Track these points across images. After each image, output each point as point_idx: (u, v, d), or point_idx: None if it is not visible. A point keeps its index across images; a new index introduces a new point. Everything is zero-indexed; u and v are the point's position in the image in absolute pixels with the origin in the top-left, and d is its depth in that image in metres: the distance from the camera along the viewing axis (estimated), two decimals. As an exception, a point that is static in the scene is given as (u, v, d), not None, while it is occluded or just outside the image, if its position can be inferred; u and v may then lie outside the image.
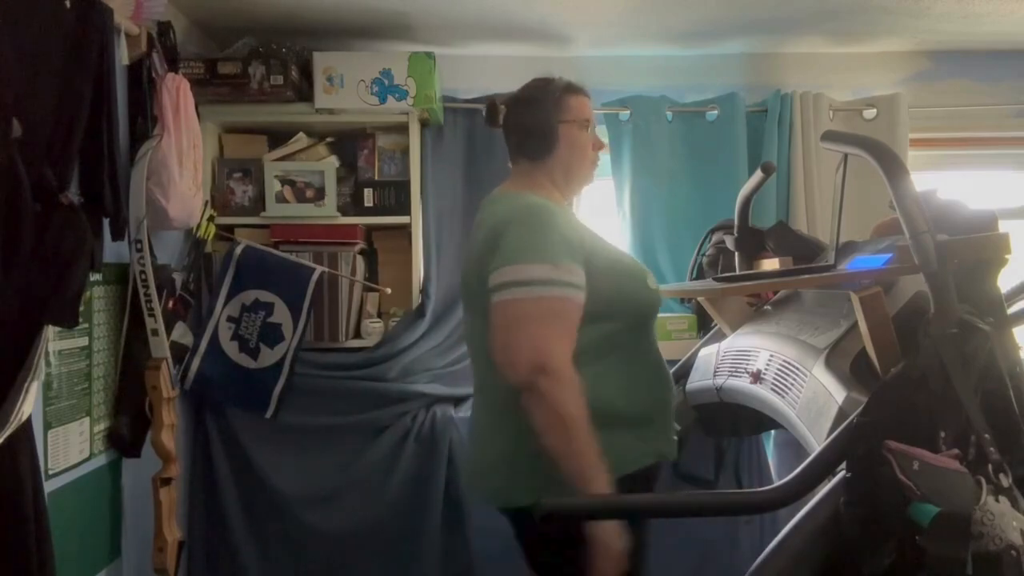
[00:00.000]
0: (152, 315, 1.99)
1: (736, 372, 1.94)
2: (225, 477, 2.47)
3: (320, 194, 2.52)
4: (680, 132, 2.83)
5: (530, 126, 1.73)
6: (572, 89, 1.77)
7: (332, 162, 2.60)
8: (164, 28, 2.09)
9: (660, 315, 2.69)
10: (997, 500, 1.20)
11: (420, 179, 2.62)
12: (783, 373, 1.74)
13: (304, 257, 2.50)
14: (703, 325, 2.59)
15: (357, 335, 2.58)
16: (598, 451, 1.47)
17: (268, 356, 2.43)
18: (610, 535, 1.47)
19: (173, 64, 2.11)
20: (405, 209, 2.58)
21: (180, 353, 2.26)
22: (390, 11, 2.46)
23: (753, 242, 2.24)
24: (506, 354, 1.51)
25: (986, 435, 1.27)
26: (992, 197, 3.08)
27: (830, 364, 1.60)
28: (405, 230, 2.59)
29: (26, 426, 1.45)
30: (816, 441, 1.49)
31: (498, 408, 1.67)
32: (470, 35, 2.72)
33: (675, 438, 1.73)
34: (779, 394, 1.72)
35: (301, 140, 2.60)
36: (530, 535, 1.65)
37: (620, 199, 2.83)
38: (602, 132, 2.73)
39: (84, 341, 1.84)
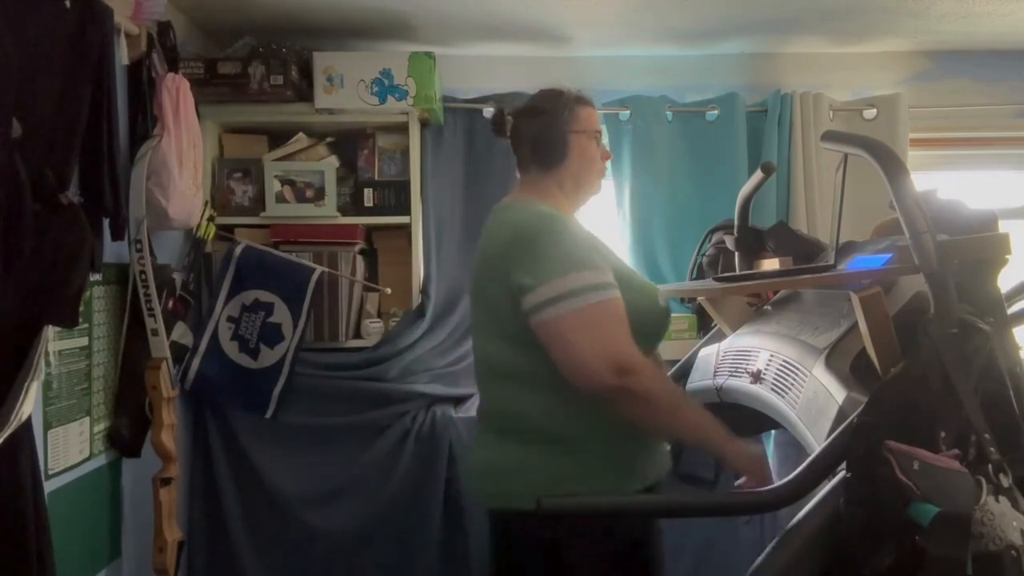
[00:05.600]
0: (152, 315, 1.99)
1: (736, 372, 1.94)
2: (225, 477, 2.47)
3: (320, 194, 2.52)
4: (680, 132, 2.83)
5: (542, 136, 1.73)
6: (583, 100, 1.79)
7: (332, 162, 2.60)
8: (164, 28, 2.08)
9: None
10: (997, 500, 1.21)
11: (420, 179, 2.61)
12: (783, 373, 1.74)
13: (304, 257, 2.50)
14: (703, 325, 2.59)
15: (357, 335, 2.58)
16: (704, 413, 1.57)
17: (268, 356, 2.43)
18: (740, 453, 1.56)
19: (173, 64, 2.11)
20: (405, 209, 2.58)
21: (180, 353, 2.26)
22: (390, 11, 2.46)
23: (753, 242, 2.24)
24: (584, 366, 1.49)
25: (986, 435, 1.27)
26: (992, 197, 3.08)
27: (830, 364, 1.60)
28: (405, 230, 2.59)
29: (26, 426, 1.45)
30: (816, 441, 1.49)
31: (499, 415, 1.67)
32: (470, 35, 2.72)
33: (663, 465, 1.72)
34: (779, 394, 1.72)
35: (301, 140, 2.60)
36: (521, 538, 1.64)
37: (620, 199, 2.83)
38: (602, 132, 2.73)
39: (84, 341, 1.84)
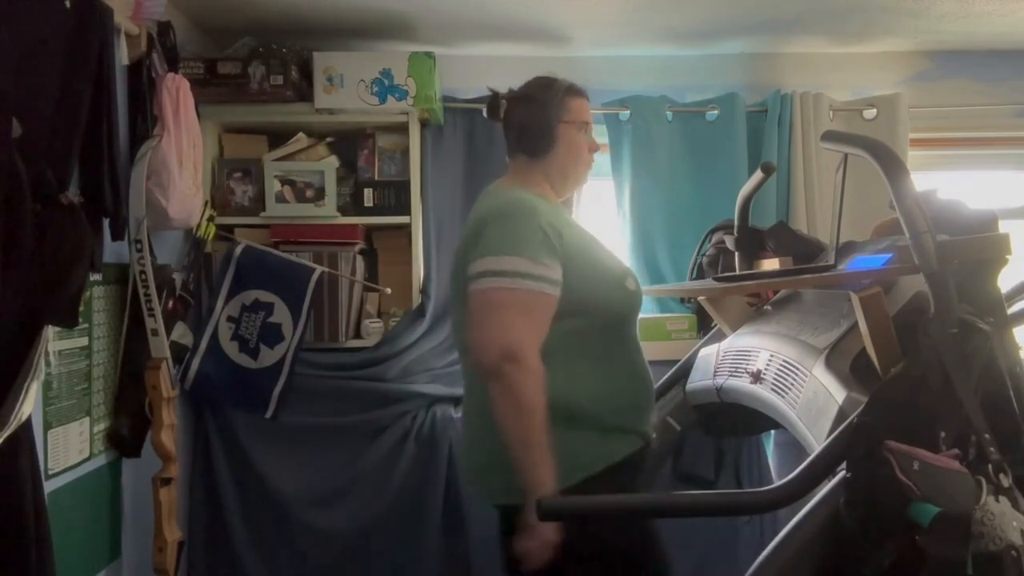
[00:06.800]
0: (152, 315, 1.99)
1: (736, 372, 1.94)
2: (225, 477, 2.47)
3: (320, 194, 2.52)
4: (680, 132, 2.83)
5: (530, 124, 1.76)
6: (574, 91, 1.80)
7: (332, 162, 2.60)
8: (164, 28, 2.08)
9: (660, 315, 2.72)
10: (997, 500, 1.20)
11: (420, 179, 2.61)
12: (783, 373, 1.74)
13: (304, 257, 2.50)
14: (703, 325, 2.59)
15: (357, 335, 2.58)
16: (549, 446, 1.50)
17: (268, 356, 2.43)
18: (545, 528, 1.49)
19: (173, 64, 2.11)
20: (405, 209, 2.58)
21: (180, 353, 2.26)
22: (390, 11, 2.46)
23: (753, 242, 2.24)
24: (478, 339, 1.57)
25: (986, 435, 1.27)
26: (992, 197, 3.08)
27: (830, 364, 1.60)
28: (405, 230, 2.59)
29: (26, 426, 1.45)
30: (816, 441, 1.49)
31: (487, 403, 1.67)
32: (470, 35, 2.72)
33: (643, 442, 1.72)
34: (779, 394, 1.72)
35: (301, 140, 2.60)
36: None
37: (620, 199, 2.83)
38: (602, 132, 2.73)
39: (84, 341, 1.84)
